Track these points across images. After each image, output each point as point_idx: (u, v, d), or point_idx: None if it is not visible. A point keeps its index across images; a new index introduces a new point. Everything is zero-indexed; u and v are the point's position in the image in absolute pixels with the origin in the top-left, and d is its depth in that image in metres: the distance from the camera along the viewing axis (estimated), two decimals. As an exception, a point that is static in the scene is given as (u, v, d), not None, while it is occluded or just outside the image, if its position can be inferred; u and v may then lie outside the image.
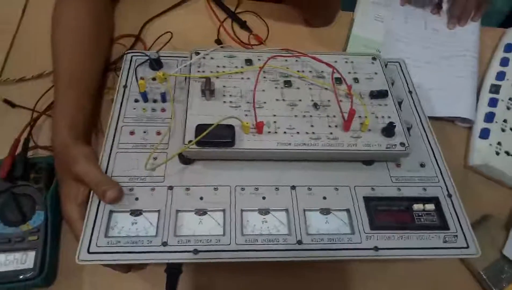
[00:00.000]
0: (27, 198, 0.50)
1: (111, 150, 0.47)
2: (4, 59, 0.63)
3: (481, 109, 0.64)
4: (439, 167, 0.50)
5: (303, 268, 0.51)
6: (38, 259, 0.47)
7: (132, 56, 0.56)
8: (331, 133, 0.47)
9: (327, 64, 0.51)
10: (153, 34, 0.66)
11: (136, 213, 0.43)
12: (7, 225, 0.48)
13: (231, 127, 0.45)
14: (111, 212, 0.43)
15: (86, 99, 0.54)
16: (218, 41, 0.67)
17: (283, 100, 0.50)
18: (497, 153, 0.60)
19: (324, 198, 0.46)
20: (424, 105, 0.56)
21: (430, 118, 0.55)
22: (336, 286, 0.50)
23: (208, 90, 0.48)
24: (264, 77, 0.52)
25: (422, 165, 0.49)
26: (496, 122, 0.63)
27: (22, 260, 0.47)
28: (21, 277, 0.46)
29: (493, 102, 0.64)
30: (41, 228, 0.48)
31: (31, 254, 0.47)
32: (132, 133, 0.49)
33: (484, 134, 0.62)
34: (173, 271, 0.47)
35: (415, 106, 0.55)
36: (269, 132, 0.46)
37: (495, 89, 0.66)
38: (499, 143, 0.61)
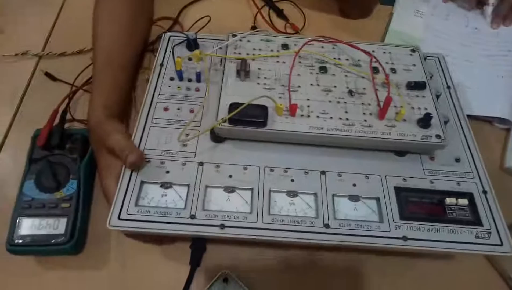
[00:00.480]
0: (62, 167, 0.51)
1: (145, 124, 0.48)
2: (48, 34, 0.66)
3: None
4: (474, 163, 0.48)
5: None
6: (69, 225, 0.48)
7: (170, 36, 0.57)
8: (365, 120, 0.46)
9: (365, 52, 0.50)
10: (191, 18, 0.67)
11: (166, 185, 0.44)
12: (42, 191, 0.49)
13: (264, 108, 0.45)
14: (142, 182, 0.44)
15: (123, 78, 0.55)
16: (254, 28, 0.67)
17: (318, 85, 0.50)
18: (536, 156, 0.58)
19: (354, 185, 0.45)
20: (462, 102, 0.54)
21: (468, 116, 0.54)
22: (353, 272, 0.49)
23: (243, 71, 0.48)
24: (300, 62, 0.52)
25: (457, 160, 0.48)
26: (537, 123, 0.60)
27: (55, 226, 0.48)
28: (52, 241, 0.47)
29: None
30: (74, 196, 0.50)
31: (63, 221, 0.48)
32: (166, 109, 0.50)
33: (521, 134, 0.60)
34: (197, 247, 0.48)
35: (452, 101, 0.54)
36: (302, 115, 0.46)
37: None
38: (537, 146, 0.59)
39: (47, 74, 0.61)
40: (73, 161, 0.52)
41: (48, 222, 0.48)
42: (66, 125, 0.56)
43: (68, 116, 0.57)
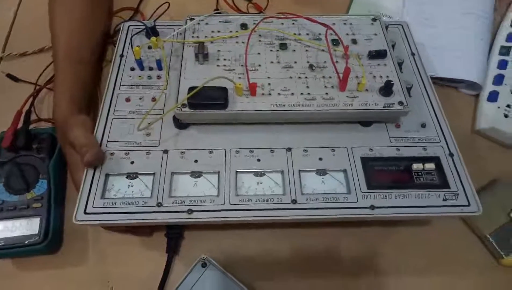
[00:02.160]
0: (30, 167, 0.51)
1: (107, 116, 0.48)
2: (7, 35, 0.64)
3: (489, 71, 0.62)
4: (440, 127, 0.48)
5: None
6: (43, 225, 0.48)
7: (129, 26, 0.57)
8: (326, 93, 0.46)
9: (322, 24, 0.49)
10: (152, 7, 0.66)
11: (131, 176, 0.44)
12: (12, 193, 0.49)
13: (224, 89, 0.44)
14: (107, 175, 0.44)
15: (85, 72, 0.54)
16: (218, 12, 0.66)
17: (278, 62, 0.49)
18: (506, 116, 0.58)
19: (320, 159, 0.45)
20: (433, 65, 0.54)
21: (435, 79, 0.53)
22: (333, 248, 0.50)
23: (201, 54, 0.48)
24: (260, 41, 0.51)
25: (422, 126, 0.48)
26: (505, 84, 0.60)
27: (28, 227, 0.48)
28: (26, 242, 0.47)
29: (502, 64, 0.62)
30: (45, 195, 0.49)
31: (36, 221, 0.48)
32: (128, 100, 0.49)
33: (493, 97, 0.60)
34: (173, 235, 0.48)
35: (417, 67, 0.53)
36: (263, 94, 0.46)
37: (505, 50, 0.63)
38: (508, 106, 0.59)
39: (8, 75, 0.60)
40: (42, 161, 0.51)
41: (21, 223, 0.48)
42: (33, 125, 0.56)
43: (33, 116, 0.56)
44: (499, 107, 0.59)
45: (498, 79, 0.61)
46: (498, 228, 0.51)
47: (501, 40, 0.64)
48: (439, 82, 0.61)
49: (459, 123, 0.58)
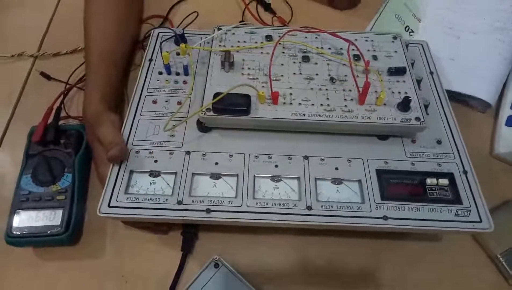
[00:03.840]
0: (57, 161, 0.53)
1: (134, 117, 0.50)
2: (43, 35, 0.68)
3: (508, 95, 0.62)
4: (456, 144, 0.49)
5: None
6: (65, 217, 0.50)
7: (158, 33, 0.59)
8: (345, 106, 0.48)
9: (344, 39, 0.51)
10: (181, 16, 0.69)
11: (154, 174, 0.46)
12: (38, 185, 0.51)
13: (247, 96, 0.46)
14: (131, 171, 0.46)
15: (116, 73, 0.57)
16: (243, 23, 0.69)
17: (300, 73, 0.51)
18: (525, 141, 0.58)
19: (336, 169, 0.47)
20: (445, 76, 0.55)
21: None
22: (342, 257, 0.50)
23: (227, 62, 0.50)
24: (283, 52, 0.53)
25: (438, 142, 0.49)
26: (524, 109, 0.61)
27: (51, 217, 0.50)
28: (49, 232, 0.49)
29: (521, 88, 0.62)
30: (69, 189, 0.51)
31: (59, 212, 0.50)
32: (154, 102, 0.52)
33: (511, 121, 0.60)
34: (188, 234, 0.50)
35: (435, 86, 0.55)
36: (284, 103, 0.48)
37: (525, 74, 0.63)
38: (526, 131, 0.59)
39: (42, 73, 0.63)
40: (68, 155, 0.54)
41: (45, 214, 0.50)
42: (61, 122, 0.58)
43: (63, 113, 0.59)
44: (518, 132, 0.59)
45: (517, 103, 0.61)
46: (509, 248, 0.51)
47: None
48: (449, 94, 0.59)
49: (477, 144, 0.59)
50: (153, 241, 0.52)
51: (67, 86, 0.61)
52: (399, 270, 0.50)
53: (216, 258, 0.49)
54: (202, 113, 0.46)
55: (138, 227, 0.51)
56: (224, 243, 0.51)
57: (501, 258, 0.50)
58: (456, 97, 0.61)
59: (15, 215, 0.49)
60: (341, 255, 0.50)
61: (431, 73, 0.56)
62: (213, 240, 0.51)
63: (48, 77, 0.63)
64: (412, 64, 0.54)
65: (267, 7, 0.71)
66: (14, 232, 0.48)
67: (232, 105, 0.46)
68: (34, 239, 0.49)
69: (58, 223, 0.49)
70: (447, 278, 0.50)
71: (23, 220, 0.49)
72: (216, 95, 0.46)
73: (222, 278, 0.47)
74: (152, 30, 0.60)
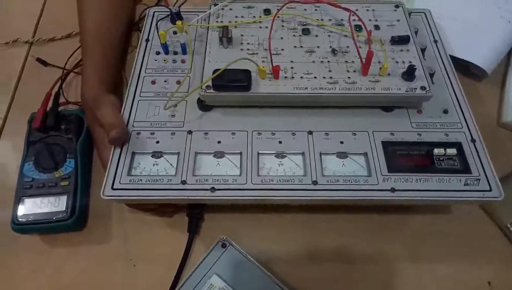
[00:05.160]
0: (58, 147, 0.53)
1: (133, 98, 0.49)
2: (37, 20, 0.67)
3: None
4: (463, 113, 0.48)
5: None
6: (70, 202, 0.49)
7: (154, 12, 0.58)
8: (349, 77, 0.46)
9: (345, 8, 0.50)
10: (176, -6, 0.67)
11: (157, 155, 0.45)
12: (41, 172, 0.51)
13: (247, 72, 0.45)
14: (133, 153, 0.45)
15: (112, 54, 0.56)
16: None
17: (301, 47, 0.50)
18: (533, 108, 0.57)
19: (341, 142, 0.46)
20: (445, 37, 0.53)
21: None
22: (351, 233, 0.50)
23: (225, 38, 0.49)
24: (283, 26, 0.52)
25: (445, 112, 0.48)
26: (532, 76, 0.59)
27: (56, 204, 0.50)
28: (54, 218, 0.49)
29: (528, 55, 0.61)
30: (72, 174, 0.51)
31: (63, 198, 0.50)
32: (153, 82, 0.51)
33: (519, 89, 0.59)
34: (194, 215, 0.49)
35: (439, 54, 0.53)
36: (286, 77, 0.47)
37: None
38: (535, 98, 0.58)
39: (38, 59, 0.62)
40: (69, 141, 0.53)
41: (49, 200, 0.50)
42: (61, 108, 0.57)
43: (61, 99, 0.58)
44: (525, 100, 0.58)
45: (524, 71, 0.60)
46: (520, 218, 0.50)
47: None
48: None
49: (483, 113, 0.57)
50: (159, 223, 0.51)
51: (64, 71, 0.60)
52: (408, 245, 0.49)
53: (223, 238, 0.48)
54: (202, 91, 0.45)
55: (144, 209, 0.51)
56: (231, 223, 0.51)
57: (511, 228, 0.50)
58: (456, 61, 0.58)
59: (19, 202, 0.49)
60: (350, 232, 0.50)
61: (435, 41, 0.54)
62: (219, 220, 0.51)
63: (44, 63, 0.62)
64: (416, 32, 0.52)
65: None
66: (20, 219, 0.48)
67: (232, 81, 0.45)
68: (40, 226, 0.49)
69: (63, 209, 0.49)
70: (457, 251, 0.49)
71: (28, 207, 0.49)
72: (215, 71, 0.45)
73: (230, 258, 0.47)
74: (148, 9, 0.58)
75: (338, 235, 0.50)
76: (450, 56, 0.54)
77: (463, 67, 0.59)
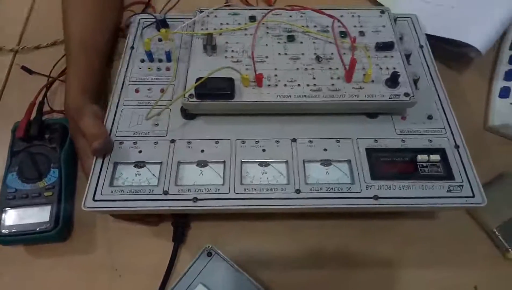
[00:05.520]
0: (42, 156, 0.52)
1: (117, 107, 0.49)
2: (22, 28, 0.66)
3: (500, 66, 0.61)
4: (447, 119, 0.48)
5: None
6: (53, 213, 0.49)
7: (139, 19, 0.58)
8: (332, 84, 0.46)
9: (329, 15, 0.50)
10: (163, 1, 0.67)
11: (139, 165, 0.45)
12: (24, 182, 0.50)
13: (230, 80, 0.45)
14: (116, 163, 0.45)
15: (97, 62, 0.55)
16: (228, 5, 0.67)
17: (286, 54, 0.49)
18: (519, 113, 0.57)
19: (325, 150, 0.45)
20: (431, 23, 0.53)
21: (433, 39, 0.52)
22: (336, 240, 0.50)
23: (209, 46, 0.48)
24: (268, 33, 0.52)
25: (429, 117, 0.48)
26: (517, 79, 0.59)
27: (39, 214, 0.49)
28: (38, 229, 0.48)
29: (514, 59, 0.61)
30: (56, 184, 0.50)
31: (47, 209, 0.49)
32: (137, 91, 0.50)
33: (504, 93, 0.59)
34: (179, 224, 0.49)
35: (425, 59, 0.53)
36: (269, 85, 0.46)
37: (517, 45, 0.62)
38: (521, 102, 0.58)
39: (23, 67, 0.62)
40: (53, 150, 0.52)
41: (33, 211, 0.49)
42: (46, 116, 0.57)
43: (46, 108, 0.57)
44: (511, 104, 0.58)
45: (510, 75, 0.60)
46: (505, 222, 0.50)
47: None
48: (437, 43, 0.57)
49: (470, 117, 0.58)
50: (145, 232, 0.51)
51: (49, 79, 0.60)
52: (394, 250, 0.49)
53: (209, 247, 0.48)
54: (185, 100, 0.45)
55: (128, 219, 0.50)
56: (217, 231, 0.50)
57: (497, 232, 0.50)
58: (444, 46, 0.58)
59: (2, 213, 0.48)
60: (336, 238, 0.50)
61: (421, 46, 0.54)
62: (205, 228, 0.51)
63: (29, 71, 0.62)
64: (401, 38, 0.52)
65: (252, -13, 0.69)
66: (3, 231, 0.47)
67: (216, 90, 0.44)
68: (24, 237, 0.48)
69: (47, 219, 0.49)
70: (444, 255, 0.49)
71: (11, 218, 0.48)
72: (198, 80, 0.45)
73: (216, 266, 0.47)
74: (133, 17, 0.58)
75: (324, 241, 0.49)
76: (438, 38, 0.54)
77: (452, 54, 0.59)
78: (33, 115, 0.55)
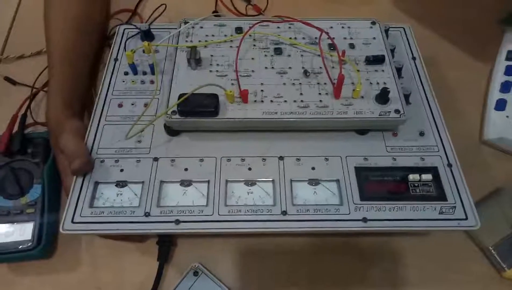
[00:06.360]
0: (25, 172, 0.51)
1: (99, 122, 0.47)
2: (5, 38, 0.65)
3: (496, 78, 0.60)
4: (440, 135, 0.46)
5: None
6: (36, 230, 0.47)
7: (124, 29, 0.56)
8: (320, 100, 0.45)
9: (317, 28, 0.48)
10: (150, 8, 0.65)
11: (121, 184, 0.43)
12: (6, 198, 0.49)
13: (214, 96, 0.43)
14: (96, 183, 0.43)
15: (80, 75, 0.54)
16: (215, 13, 0.65)
17: (272, 68, 0.48)
18: (515, 125, 0.56)
19: (313, 168, 0.44)
20: None
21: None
22: (326, 257, 0.48)
23: (193, 59, 0.47)
24: (254, 45, 0.50)
25: (421, 134, 0.46)
26: (513, 91, 0.58)
27: (21, 232, 0.48)
28: (20, 247, 0.47)
29: (510, 71, 0.59)
30: (38, 201, 0.49)
31: (29, 226, 0.48)
32: (120, 105, 0.49)
33: (500, 105, 0.57)
34: (163, 243, 0.48)
35: (417, 72, 0.52)
36: (255, 101, 0.45)
37: (512, 56, 0.60)
38: (517, 115, 0.56)
39: (6, 78, 0.60)
40: (36, 165, 0.51)
41: (15, 228, 0.48)
42: (30, 129, 0.56)
43: (30, 120, 0.56)
44: (507, 116, 0.57)
45: (506, 86, 0.58)
46: (501, 240, 0.49)
47: (508, 46, 0.62)
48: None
49: (465, 130, 0.56)
50: (130, 250, 0.50)
51: (33, 90, 0.58)
52: (388, 268, 0.48)
53: (195, 266, 0.47)
54: (167, 117, 0.43)
55: (112, 237, 0.49)
56: (204, 248, 0.49)
57: (492, 251, 0.48)
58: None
59: (-17, 231, 0.47)
60: (327, 255, 0.49)
61: (414, 58, 0.53)
62: (192, 246, 0.50)
63: (13, 82, 0.60)
64: (393, 50, 0.51)
65: (242, -6, 0.67)
66: (-16, 250, 0.46)
67: (199, 107, 0.43)
68: (6, 256, 0.47)
69: (29, 237, 0.48)
70: (437, 274, 0.48)
71: (-8, 236, 0.47)
72: (181, 96, 0.43)
73: (202, 286, 0.46)
74: (117, 27, 0.56)
75: (314, 259, 0.48)
76: None
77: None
78: (16, 128, 0.53)
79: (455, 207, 0.42)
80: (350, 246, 0.49)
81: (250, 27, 0.49)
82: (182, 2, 0.65)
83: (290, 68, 0.48)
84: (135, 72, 0.51)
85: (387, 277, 0.47)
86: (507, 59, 0.60)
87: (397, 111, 0.44)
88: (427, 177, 0.43)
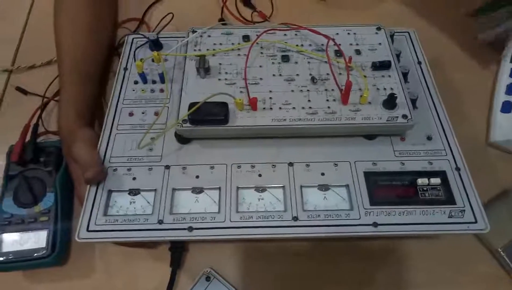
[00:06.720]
0: (38, 181, 0.51)
1: (110, 131, 0.48)
2: (16, 48, 0.66)
3: (502, 81, 0.60)
4: (447, 139, 0.47)
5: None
6: (50, 238, 0.48)
7: (133, 39, 0.57)
8: (328, 107, 0.45)
9: (324, 35, 0.49)
10: (158, 17, 0.65)
11: (134, 192, 0.44)
12: (20, 206, 0.50)
13: (224, 105, 0.44)
14: (110, 191, 0.44)
15: (90, 84, 0.55)
16: (222, 21, 0.66)
17: (280, 75, 0.49)
18: (522, 127, 0.56)
19: (323, 174, 0.45)
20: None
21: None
22: (336, 260, 0.49)
23: (202, 68, 0.47)
24: (262, 53, 0.51)
25: (428, 138, 0.47)
26: (520, 94, 0.58)
27: (35, 240, 0.49)
28: (35, 255, 0.48)
29: (516, 73, 0.60)
30: (52, 209, 0.50)
31: (43, 234, 0.49)
32: (131, 114, 0.50)
33: (506, 108, 0.58)
34: (176, 249, 0.48)
35: (424, 77, 0.52)
36: (264, 108, 0.45)
37: (519, 57, 0.61)
38: (523, 116, 0.57)
39: (18, 88, 0.61)
40: (49, 174, 0.52)
41: (29, 236, 0.49)
42: (41, 138, 0.56)
43: (42, 129, 0.57)
44: (514, 118, 0.57)
45: (511, 89, 0.58)
46: (510, 241, 0.49)
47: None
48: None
49: (472, 133, 0.57)
50: (143, 256, 0.50)
51: (44, 100, 0.59)
52: (394, 270, 0.48)
53: (207, 271, 0.48)
54: (178, 126, 0.44)
55: (125, 244, 0.50)
56: (215, 253, 0.50)
57: (502, 252, 0.49)
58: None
59: (-1, 240, 0.48)
60: (337, 259, 0.49)
61: (419, 63, 0.53)
62: (204, 251, 0.50)
63: (24, 92, 0.61)
64: (398, 55, 0.51)
65: (247, 2, 0.68)
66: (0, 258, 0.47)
67: (209, 115, 0.44)
68: (20, 264, 0.48)
69: (44, 245, 0.48)
70: (446, 275, 0.48)
71: (7, 244, 0.48)
72: (191, 105, 0.44)
73: (215, 291, 0.46)
74: (126, 37, 0.57)
75: (326, 263, 0.49)
76: None
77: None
78: (28, 137, 0.54)
79: (464, 210, 0.42)
80: (359, 249, 0.49)
81: (258, 36, 0.50)
82: (188, 10, 0.66)
83: (297, 75, 0.48)
84: (145, 81, 0.52)
85: (395, 280, 0.48)
86: (512, 61, 0.60)
87: (404, 116, 0.44)
88: (436, 181, 0.43)
